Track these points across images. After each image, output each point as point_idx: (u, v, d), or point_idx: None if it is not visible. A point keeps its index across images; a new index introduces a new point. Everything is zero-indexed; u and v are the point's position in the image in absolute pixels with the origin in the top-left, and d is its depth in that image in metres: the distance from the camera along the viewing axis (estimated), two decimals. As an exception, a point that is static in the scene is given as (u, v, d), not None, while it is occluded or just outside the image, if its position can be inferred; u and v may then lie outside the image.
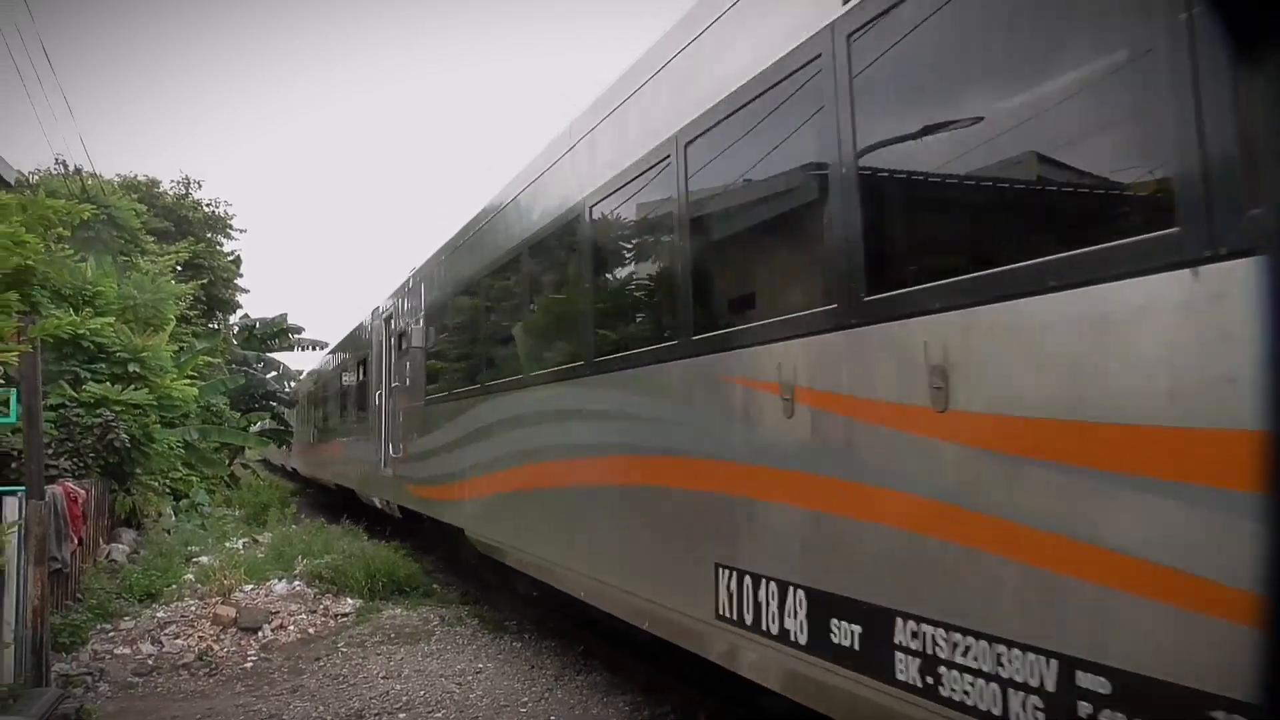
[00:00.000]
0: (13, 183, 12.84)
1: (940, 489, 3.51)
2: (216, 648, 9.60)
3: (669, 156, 5.70)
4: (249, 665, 9.11)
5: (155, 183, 31.68)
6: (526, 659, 8.85)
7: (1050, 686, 3.02)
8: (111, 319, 15.06)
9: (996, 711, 3.23)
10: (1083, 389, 2.95)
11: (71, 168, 22.08)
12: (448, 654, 9.11)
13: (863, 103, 4.05)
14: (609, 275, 7.25)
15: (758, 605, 4.68)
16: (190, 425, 19.08)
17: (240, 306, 34.67)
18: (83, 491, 11.27)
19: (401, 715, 7.29)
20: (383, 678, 8.35)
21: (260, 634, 10.07)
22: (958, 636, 3.41)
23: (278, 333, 34.23)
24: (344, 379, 21.37)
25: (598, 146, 7.00)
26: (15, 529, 6.85)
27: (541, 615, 10.05)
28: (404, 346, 13.56)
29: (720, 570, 5.02)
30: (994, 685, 3.25)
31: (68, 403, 13.75)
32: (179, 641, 9.74)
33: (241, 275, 33.62)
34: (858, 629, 3.96)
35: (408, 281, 14.18)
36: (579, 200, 7.14)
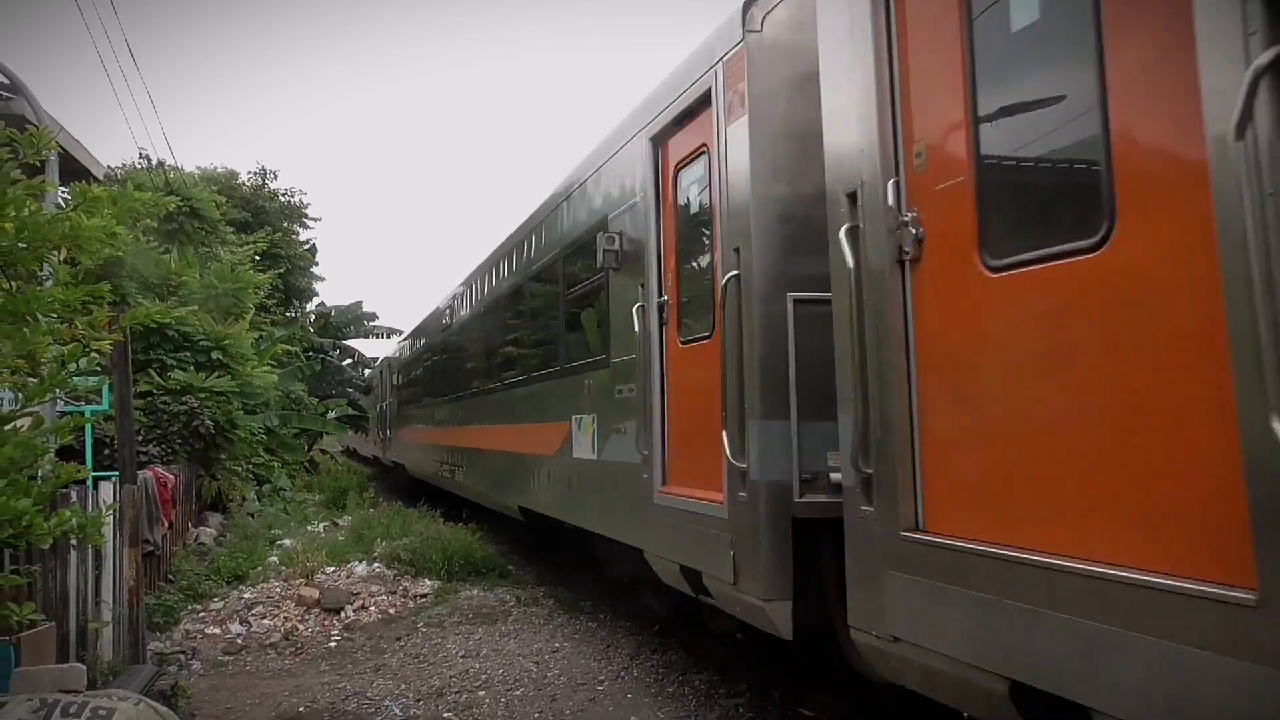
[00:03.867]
0: (101, 177, 13.23)
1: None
2: (301, 628, 9.86)
3: None
4: (333, 644, 9.33)
5: (233, 174, 32.31)
6: (602, 639, 8.94)
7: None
8: (195, 308, 15.48)
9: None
10: None
11: (154, 161, 22.65)
12: (525, 634, 9.24)
13: None
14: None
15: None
16: (270, 412, 19.57)
17: (316, 294, 35.31)
18: (172, 477, 11.65)
19: (481, 693, 7.41)
20: (462, 657, 8.50)
21: (342, 614, 10.31)
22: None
23: (352, 320, 34.84)
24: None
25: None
26: (111, 512, 7.09)
27: (616, 595, 10.13)
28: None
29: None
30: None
31: (155, 390, 14.19)
32: (265, 622, 10.02)
33: (317, 264, 34.17)
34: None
35: None
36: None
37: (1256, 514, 2.40)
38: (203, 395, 14.54)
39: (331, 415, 29.78)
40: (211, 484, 15.57)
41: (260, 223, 30.69)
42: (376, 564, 12.35)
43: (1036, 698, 3.17)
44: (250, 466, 17.98)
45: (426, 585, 11.46)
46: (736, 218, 5.50)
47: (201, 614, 10.27)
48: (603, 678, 7.70)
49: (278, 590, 11.09)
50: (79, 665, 6.05)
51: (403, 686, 7.66)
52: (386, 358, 26.40)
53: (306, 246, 33.53)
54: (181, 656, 8.66)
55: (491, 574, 12.10)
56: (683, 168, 6.57)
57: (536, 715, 6.85)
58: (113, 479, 8.01)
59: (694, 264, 6.49)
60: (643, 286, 6.95)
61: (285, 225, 32.56)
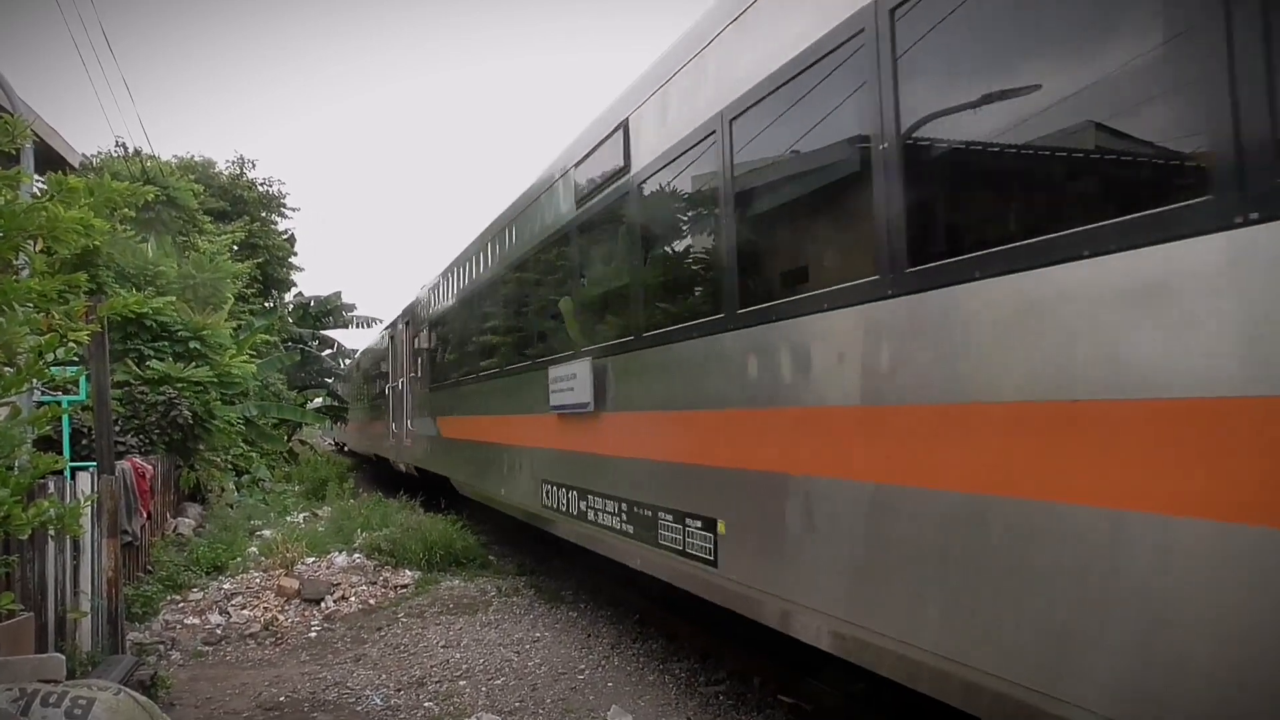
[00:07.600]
0: (77, 166, 13.11)
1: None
2: (281, 618, 9.84)
3: None
4: (313, 635, 9.33)
5: (211, 163, 32.01)
6: (583, 628, 8.97)
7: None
8: (173, 298, 15.37)
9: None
10: None
11: (131, 149, 22.44)
12: (505, 624, 9.26)
13: None
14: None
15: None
16: (249, 402, 19.46)
17: (295, 284, 35.04)
18: (150, 467, 11.58)
19: (462, 683, 7.43)
20: (442, 647, 8.51)
21: (323, 605, 10.30)
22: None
23: (331, 310, 34.64)
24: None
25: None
26: (89, 503, 7.06)
27: (597, 585, 10.16)
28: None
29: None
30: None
31: (133, 381, 14.09)
32: (245, 612, 10.00)
33: (295, 254, 33.92)
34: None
35: None
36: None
37: None
38: (181, 385, 14.44)
39: (311, 405, 29.64)
40: (190, 474, 15.49)
41: (238, 212, 30.45)
42: (357, 555, 12.32)
43: None
44: (229, 457, 17.89)
45: (407, 576, 11.46)
46: None
47: (181, 604, 10.23)
48: (583, 667, 7.73)
49: (257, 581, 11.06)
50: (58, 655, 6.03)
51: (383, 676, 7.67)
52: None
53: (285, 236, 33.30)
54: (161, 647, 8.64)
55: (472, 564, 12.11)
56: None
57: (517, 704, 6.87)
58: (90, 469, 7.97)
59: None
60: None
61: (263, 215, 32.31)
